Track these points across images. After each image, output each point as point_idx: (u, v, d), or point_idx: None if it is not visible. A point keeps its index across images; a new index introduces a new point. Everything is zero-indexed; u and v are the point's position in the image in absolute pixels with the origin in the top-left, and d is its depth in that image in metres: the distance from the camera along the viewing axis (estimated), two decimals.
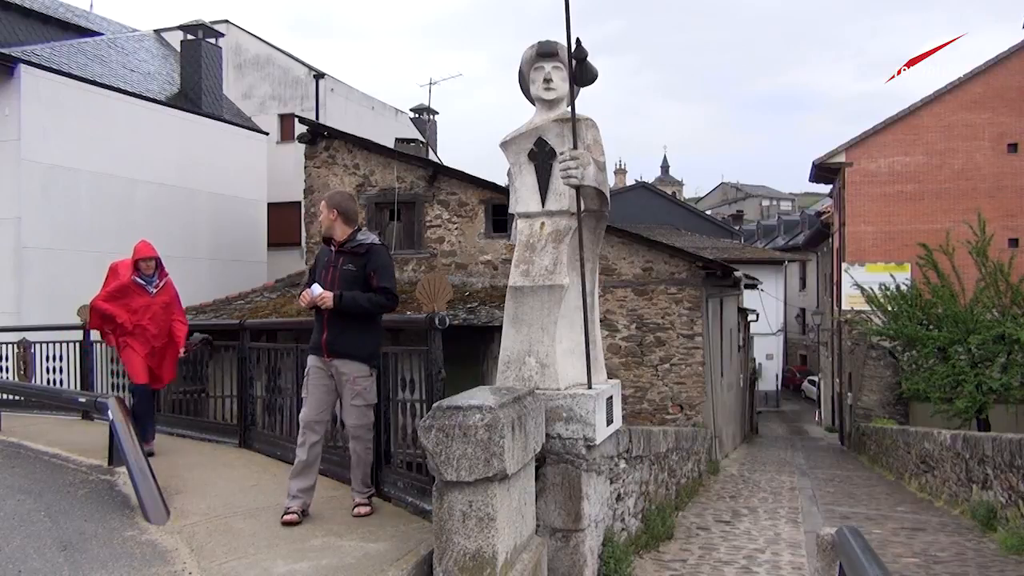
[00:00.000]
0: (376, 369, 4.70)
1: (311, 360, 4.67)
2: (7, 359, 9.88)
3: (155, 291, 6.39)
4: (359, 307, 4.49)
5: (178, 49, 20.47)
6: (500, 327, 4.77)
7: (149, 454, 5.65)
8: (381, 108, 26.88)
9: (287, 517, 4.37)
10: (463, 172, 16.33)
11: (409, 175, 16.14)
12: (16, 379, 9.64)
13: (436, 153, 28.97)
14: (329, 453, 5.56)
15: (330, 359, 4.56)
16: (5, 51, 14.58)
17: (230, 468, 5.91)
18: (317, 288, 4.50)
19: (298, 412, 5.29)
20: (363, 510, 4.57)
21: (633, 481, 6.13)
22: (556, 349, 4.42)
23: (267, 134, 21.46)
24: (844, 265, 21.78)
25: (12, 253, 14.60)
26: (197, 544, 4.02)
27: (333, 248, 4.67)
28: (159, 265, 6.51)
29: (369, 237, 4.71)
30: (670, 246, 15.99)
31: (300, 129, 17.28)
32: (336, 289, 4.50)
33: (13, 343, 9.83)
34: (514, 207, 4.75)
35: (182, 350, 6.60)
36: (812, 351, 37.86)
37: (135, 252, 6.41)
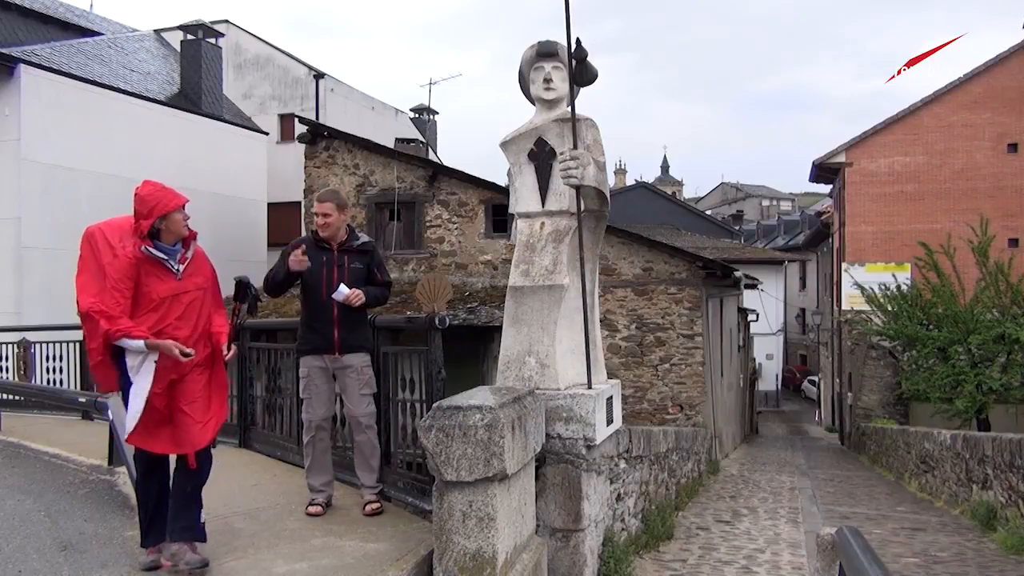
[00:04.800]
0: None
1: (311, 360, 4.71)
2: (7, 359, 9.89)
3: (183, 269, 3.74)
4: (376, 301, 4.77)
5: (178, 49, 20.48)
6: (500, 327, 4.77)
7: (201, 565, 3.58)
8: (381, 108, 26.89)
9: (313, 509, 4.56)
10: (463, 172, 16.33)
11: (409, 175, 16.14)
12: (16, 379, 9.64)
13: (436, 153, 28.98)
14: (331, 454, 5.56)
15: (340, 355, 4.66)
16: (5, 51, 14.58)
17: (230, 468, 5.89)
18: (343, 290, 4.58)
19: (299, 413, 5.30)
20: (376, 507, 4.60)
21: (633, 481, 6.13)
22: (556, 349, 4.42)
23: (267, 134, 21.47)
24: (844, 265, 21.77)
25: (12, 253, 14.60)
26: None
27: (330, 247, 4.72)
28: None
29: (363, 235, 4.94)
30: (670, 246, 15.98)
31: (300, 129, 17.29)
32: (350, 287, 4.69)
33: (13, 343, 9.84)
34: (514, 207, 4.75)
35: (226, 351, 3.85)
36: (812, 351, 37.85)
37: (149, 202, 3.64)
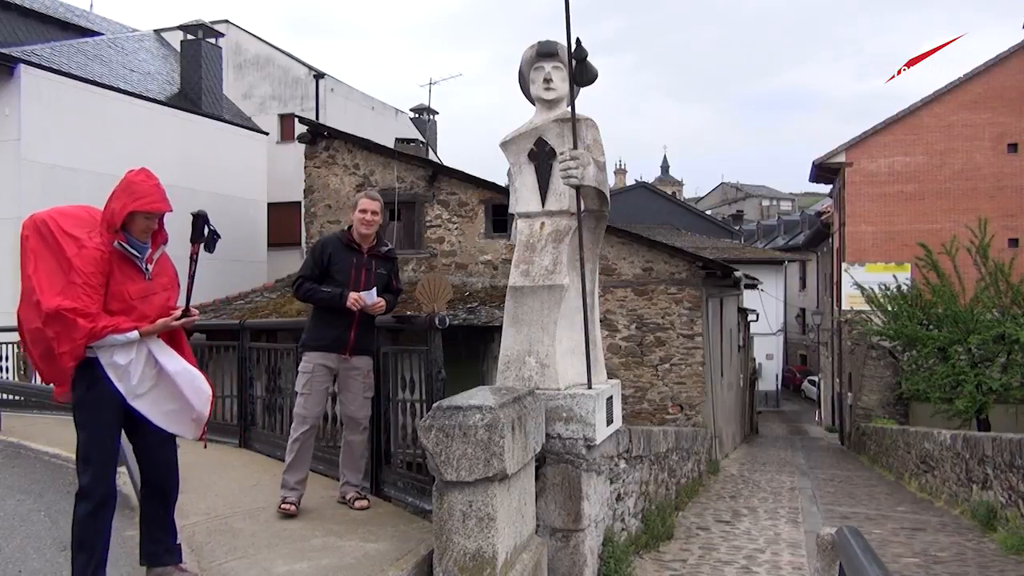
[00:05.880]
0: None
1: (318, 358, 4.71)
2: (7, 359, 9.88)
3: (151, 268, 3.47)
4: (389, 310, 4.85)
5: (178, 49, 20.50)
6: (500, 327, 4.77)
7: None
8: (381, 108, 26.88)
9: (287, 507, 4.50)
10: (463, 172, 16.33)
11: (409, 175, 16.14)
12: (16, 379, 9.64)
13: (436, 153, 28.97)
14: (328, 453, 5.56)
15: (351, 356, 4.71)
16: (5, 51, 14.59)
17: (230, 468, 5.90)
18: (374, 294, 4.67)
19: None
20: (365, 503, 4.67)
21: (633, 481, 6.13)
22: (556, 349, 4.42)
23: (267, 134, 21.47)
24: (844, 265, 21.77)
25: (12, 253, 14.54)
26: (197, 544, 4.02)
27: (359, 250, 4.76)
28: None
29: (387, 242, 5.04)
30: (670, 246, 15.98)
31: (300, 129, 17.29)
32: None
33: (13, 343, 9.83)
34: (514, 207, 4.75)
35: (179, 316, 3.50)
36: (812, 351, 37.84)
37: (130, 192, 3.38)
